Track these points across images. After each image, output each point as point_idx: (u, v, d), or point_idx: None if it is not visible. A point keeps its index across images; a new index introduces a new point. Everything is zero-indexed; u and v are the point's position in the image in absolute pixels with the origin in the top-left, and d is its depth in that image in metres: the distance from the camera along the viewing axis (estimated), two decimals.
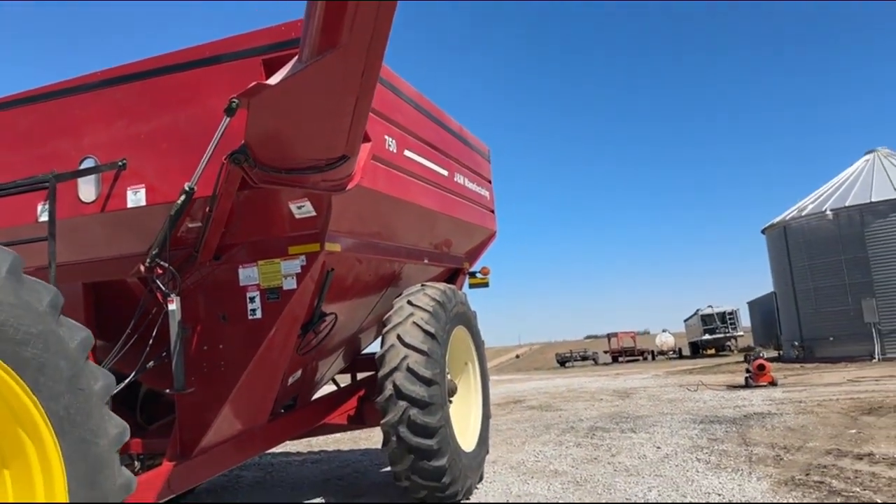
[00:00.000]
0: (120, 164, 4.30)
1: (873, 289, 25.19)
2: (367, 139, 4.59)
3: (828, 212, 26.20)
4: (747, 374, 16.77)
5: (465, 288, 8.06)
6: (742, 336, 48.83)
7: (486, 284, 8.30)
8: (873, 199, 25.41)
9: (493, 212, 8.28)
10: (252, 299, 4.49)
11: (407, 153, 5.48)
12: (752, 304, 44.88)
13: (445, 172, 6.51)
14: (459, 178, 6.99)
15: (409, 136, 5.58)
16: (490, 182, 8.34)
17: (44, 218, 4.40)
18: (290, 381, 5.66)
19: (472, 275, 8.25)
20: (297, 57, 3.62)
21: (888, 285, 25.03)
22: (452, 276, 7.71)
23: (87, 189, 4.38)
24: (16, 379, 2.08)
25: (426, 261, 6.64)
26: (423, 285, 5.98)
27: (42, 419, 2.12)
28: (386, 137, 5.05)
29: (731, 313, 47.48)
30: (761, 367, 16.55)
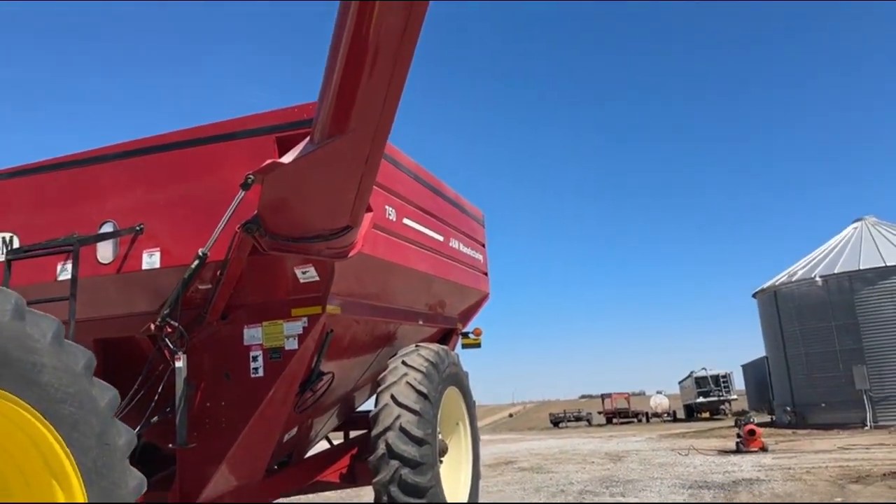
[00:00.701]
0: (138, 228, 4.61)
1: (864, 356, 25.37)
2: (369, 209, 4.91)
3: (817, 278, 26.59)
4: (738, 440, 16.81)
5: (458, 348, 8.29)
6: (736, 399, 48.60)
7: (478, 345, 8.53)
8: (862, 267, 25.85)
9: (486, 274, 8.57)
10: (255, 358, 4.73)
11: (405, 221, 5.81)
12: (745, 368, 44.87)
13: (441, 238, 6.83)
14: (454, 243, 7.32)
15: (408, 205, 5.92)
16: (484, 245, 8.67)
17: (62, 276, 4.68)
18: (286, 438, 5.83)
19: (465, 335, 8.48)
20: (308, 137, 3.98)
21: (878, 352, 25.22)
22: (446, 336, 7.95)
23: (106, 250, 4.67)
24: (53, 434, 2.32)
25: (421, 322, 6.89)
26: (417, 345, 6.22)
27: (73, 471, 2.35)
28: (386, 207, 5.39)
29: (724, 376, 47.39)
30: (752, 433, 16.61)
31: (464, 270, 7.55)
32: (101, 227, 4.72)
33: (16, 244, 4.86)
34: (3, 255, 4.71)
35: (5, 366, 2.17)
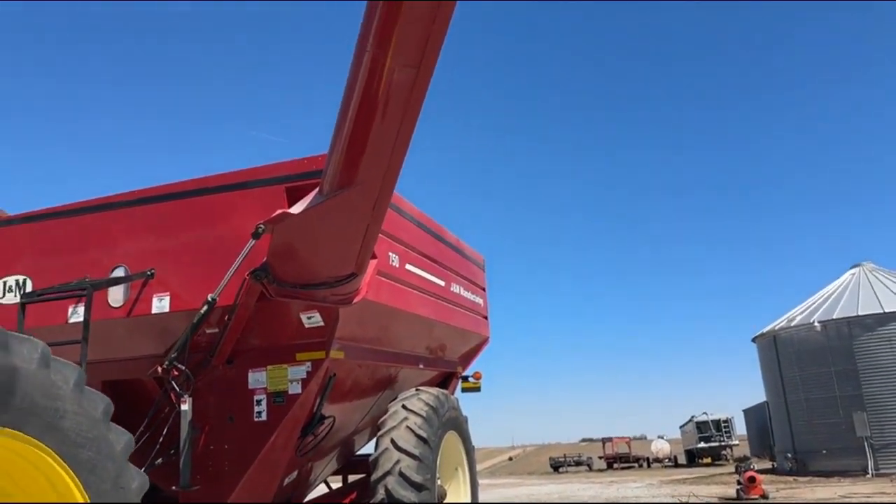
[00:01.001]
0: (149, 273, 4.75)
1: (864, 402, 25.26)
2: (373, 256, 5.06)
3: (816, 323, 26.64)
4: (738, 487, 16.67)
5: (458, 392, 8.35)
6: (738, 445, 48.07)
7: (477, 389, 8.58)
8: (860, 313, 25.92)
9: (486, 318, 8.68)
10: (259, 402, 4.82)
11: (408, 267, 5.95)
12: (747, 413, 44.48)
13: (442, 283, 6.96)
14: (455, 288, 7.45)
15: (411, 251, 6.07)
16: (484, 290, 8.80)
17: (73, 319, 4.80)
18: (287, 481, 5.87)
19: (465, 379, 8.55)
20: (318, 189, 4.15)
21: (878, 399, 25.11)
22: (446, 380, 8.02)
23: (117, 294, 4.80)
24: (72, 477, 2.41)
25: (421, 366, 6.98)
26: (417, 389, 6.30)
27: None
28: (390, 254, 5.54)
29: (725, 421, 46.97)
30: (752, 480, 16.49)
31: (464, 314, 7.67)
32: (112, 271, 4.86)
33: (29, 287, 4.99)
34: (18, 298, 4.84)
35: (31, 413, 2.29)
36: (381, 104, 3.58)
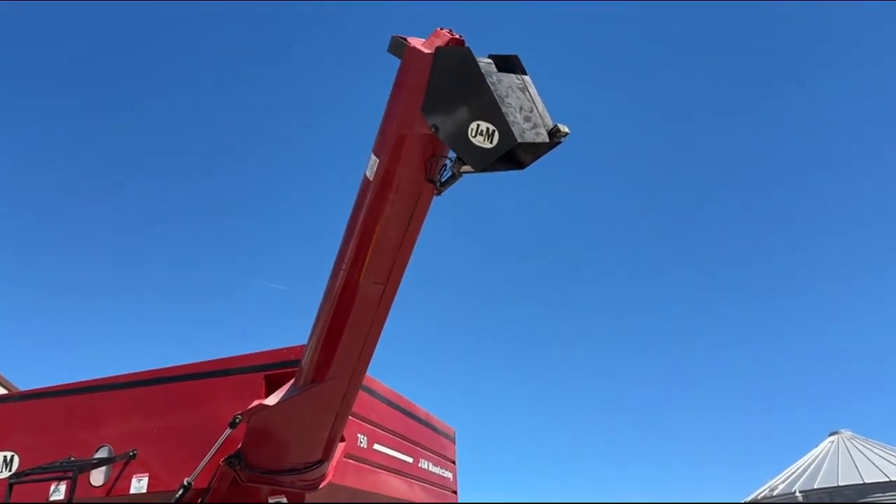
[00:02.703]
0: (131, 454, 5.08)
1: None
2: (342, 439, 5.43)
3: (797, 493, 26.25)
4: None
5: None
6: None
7: None
8: (840, 483, 25.67)
9: (455, 492, 8.80)
10: None
11: (376, 447, 6.28)
12: None
13: (410, 459, 7.23)
14: (423, 464, 7.68)
15: (380, 430, 6.41)
16: (454, 462, 8.98)
17: (55, 497, 5.05)
18: None
19: None
20: (293, 380, 4.64)
21: None
22: None
23: (98, 474, 5.10)
24: None
25: None
26: None
27: None
28: (359, 435, 5.89)
29: None
30: None
31: (432, 490, 7.83)
32: (97, 451, 5.19)
33: (16, 463, 5.28)
34: (5, 474, 5.12)
35: None
36: (352, 314, 4.18)
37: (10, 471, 5.27)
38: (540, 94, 3.37)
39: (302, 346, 4.66)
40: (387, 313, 4.31)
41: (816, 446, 29.88)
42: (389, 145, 3.58)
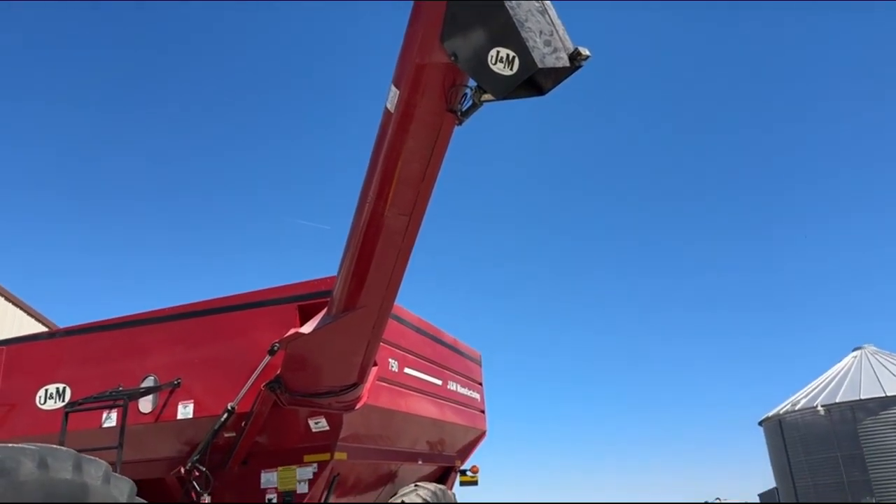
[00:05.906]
0: (176, 382, 5.36)
1: (872, 487, 24.97)
2: (374, 363, 5.67)
3: (819, 407, 26.67)
4: None
5: (456, 485, 8.73)
6: None
7: (475, 482, 8.97)
8: (863, 397, 25.99)
9: (483, 412, 9.16)
10: (270, 501, 5.32)
11: (407, 370, 6.54)
12: (763, 496, 43.43)
13: (440, 382, 7.52)
14: (452, 385, 7.99)
15: (410, 355, 6.66)
16: (481, 384, 9.31)
17: (107, 424, 5.39)
18: None
19: (463, 472, 8.94)
20: (326, 309, 4.82)
21: (887, 484, 24.83)
22: (444, 474, 8.42)
23: (146, 402, 5.40)
24: None
25: (420, 461, 7.44)
26: (416, 485, 6.76)
27: None
28: (390, 360, 6.14)
29: None
30: None
31: (461, 410, 8.16)
32: (143, 380, 5.48)
33: (68, 394, 5.60)
34: (59, 404, 5.45)
35: None
36: (378, 245, 4.30)
37: (63, 401, 5.60)
38: (559, 16, 3.32)
39: (333, 278, 4.81)
40: (412, 243, 4.41)
41: (839, 361, 30.13)
42: (409, 75, 3.58)
